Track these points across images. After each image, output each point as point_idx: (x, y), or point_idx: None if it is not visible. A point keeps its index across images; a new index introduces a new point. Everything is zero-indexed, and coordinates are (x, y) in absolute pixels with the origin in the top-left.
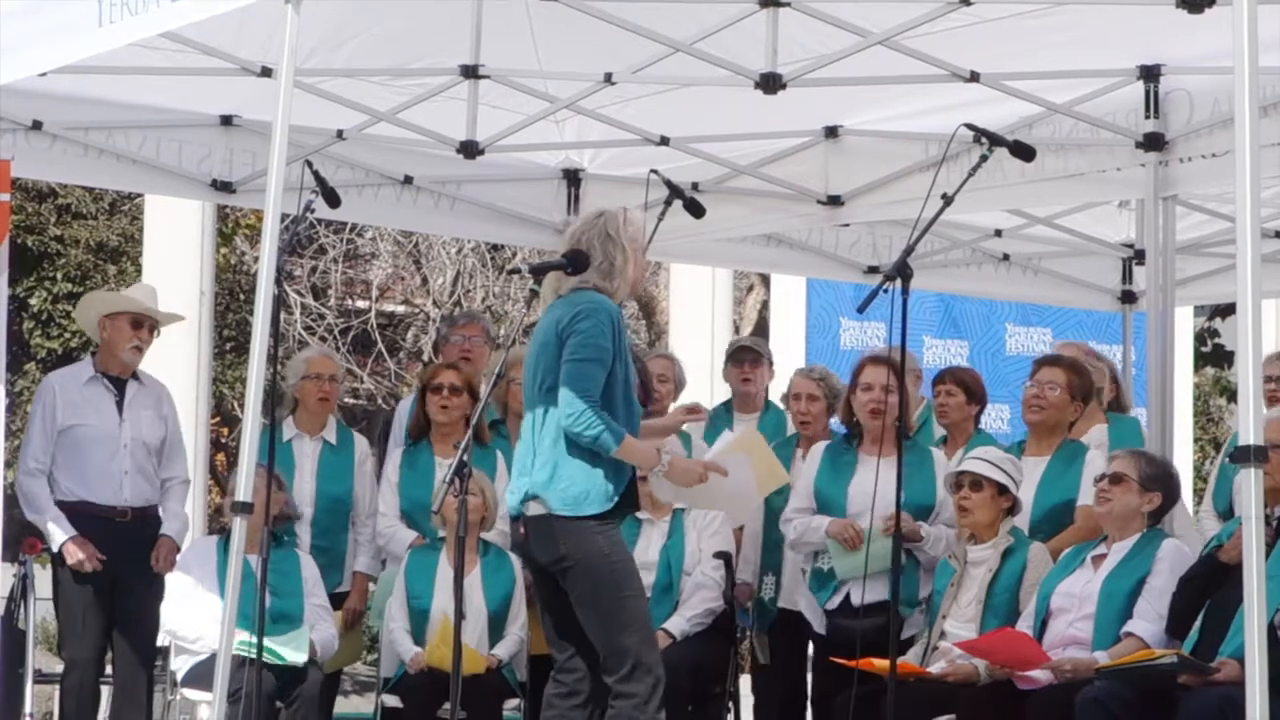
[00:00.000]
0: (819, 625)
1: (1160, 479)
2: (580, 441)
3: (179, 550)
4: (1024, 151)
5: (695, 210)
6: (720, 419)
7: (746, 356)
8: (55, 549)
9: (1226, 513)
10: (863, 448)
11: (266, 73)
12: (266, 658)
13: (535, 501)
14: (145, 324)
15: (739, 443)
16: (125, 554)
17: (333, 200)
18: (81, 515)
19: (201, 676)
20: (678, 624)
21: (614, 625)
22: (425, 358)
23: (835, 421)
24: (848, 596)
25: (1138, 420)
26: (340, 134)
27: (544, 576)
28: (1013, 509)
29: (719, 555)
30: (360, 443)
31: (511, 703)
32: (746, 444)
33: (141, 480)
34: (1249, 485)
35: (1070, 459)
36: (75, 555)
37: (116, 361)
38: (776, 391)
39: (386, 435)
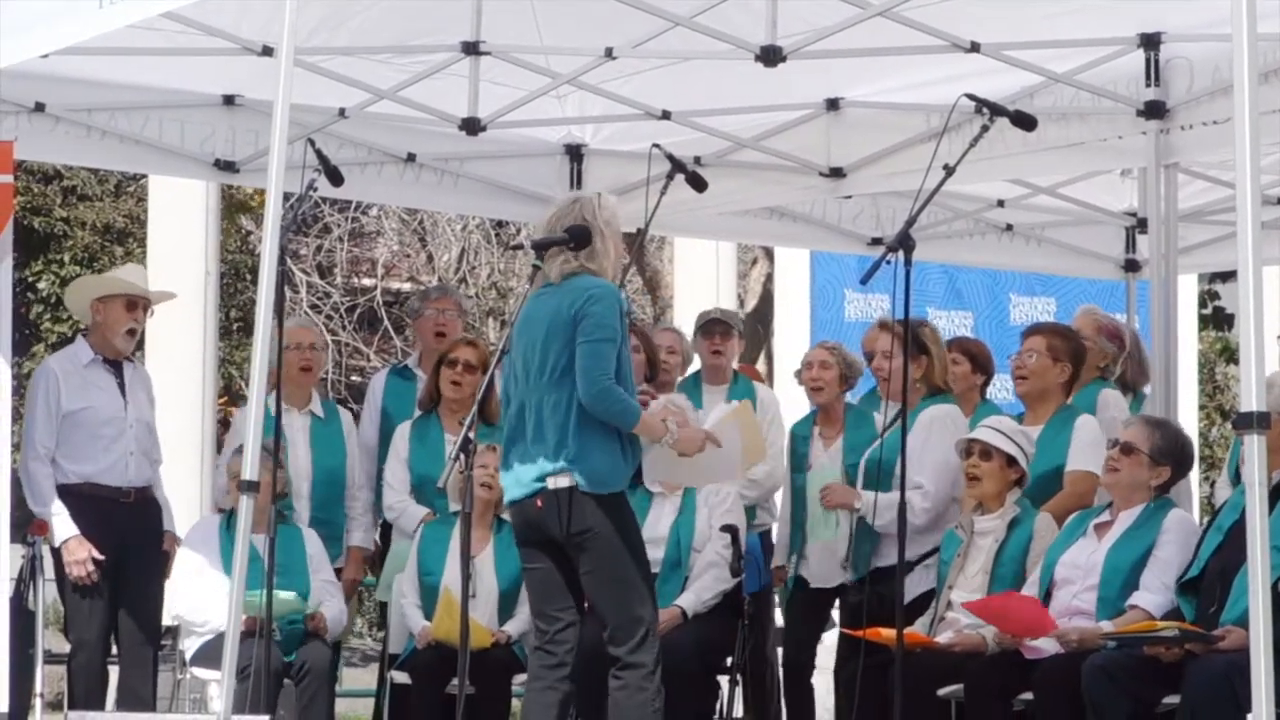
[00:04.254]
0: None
1: (1172, 452)
2: (604, 416)
3: (178, 541)
4: (1025, 121)
5: (698, 184)
6: (689, 391)
7: (717, 329)
8: (57, 544)
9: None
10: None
11: (268, 52)
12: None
13: (560, 475)
14: (139, 304)
15: (733, 414)
16: (129, 534)
17: (335, 179)
18: (87, 498)
19: (210, 655)
20: (691, 602)
21: (631, 596)
22: None
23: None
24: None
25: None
26: (342, 112)
27: (545, 550)
28: (1021, 481)
29: (726, 529)
30: (345, 415)
31: (520, 678)
32: (739, 416)
33: (144, 461)
34: (1251, 451)
35: (1062, 425)
36: (76, 554)
37: (112, 345)
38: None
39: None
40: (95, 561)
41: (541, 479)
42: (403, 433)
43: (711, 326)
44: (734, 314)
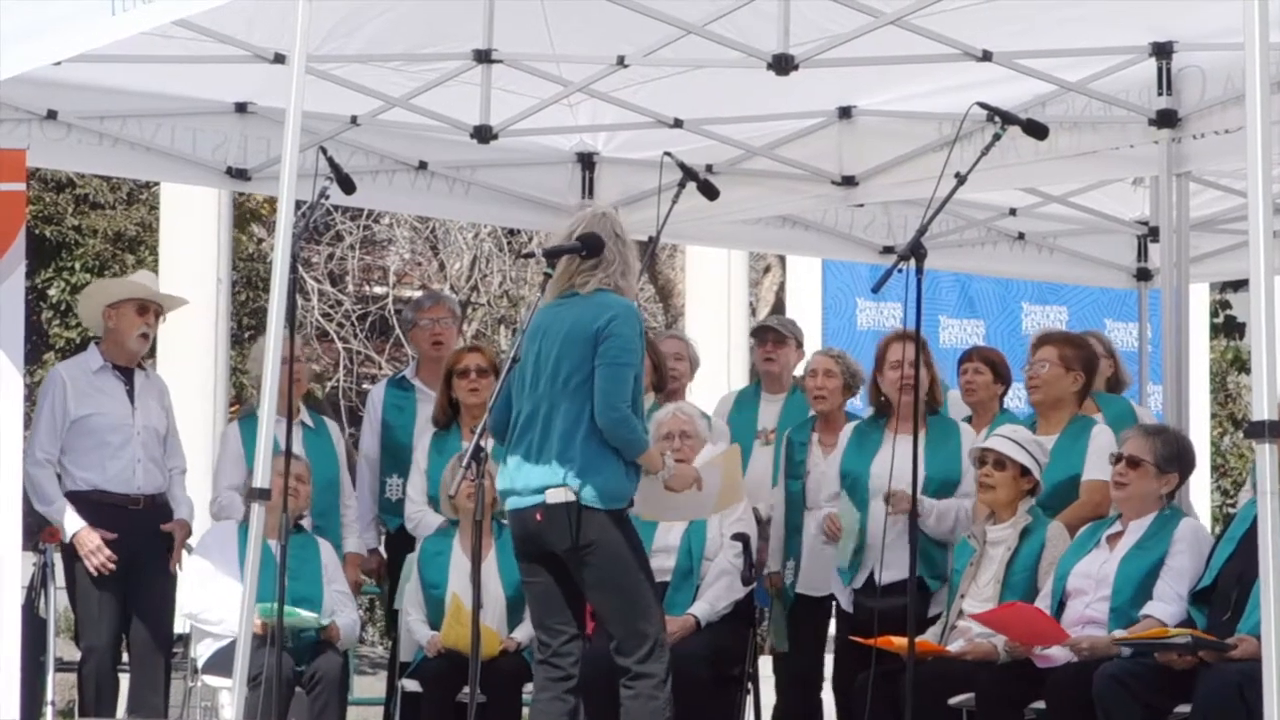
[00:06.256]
0: (847, 604)
1: (1176, 458)
2: (614, 441)
3: (190, 533)
4: (1037, 130)
5: (709, 192)
6: (749, 398)
7: (769, 335)
8: (67, 539)
9: None
10: (890, 425)
11: (280, 59)
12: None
13: (561, 489)
14: (150, 309)
15: (719, 459)
16: (139, 541)
17: (347, 186)
18: (96, 504)
19: (222, 663)
20: (704, 610)
21: (636, 608)
22: None
23: (854, 404)
24: (871, 575)
25: (1128, 400)
26: (354, 120)
27: (545, 563)
28: (1034, 490)
29: (737, 537)
30: (332, 425)
31: (530, 686)
32: (724, 462)
33: (153, 468)
34: (1262, 460)
35: (1077, 435)
36: (89, 543)
37: (124, 351)
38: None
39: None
40: (109, 544)
41: (540, 490)
42: (423, 445)
43: (763, 333)
44: (790, 322)
